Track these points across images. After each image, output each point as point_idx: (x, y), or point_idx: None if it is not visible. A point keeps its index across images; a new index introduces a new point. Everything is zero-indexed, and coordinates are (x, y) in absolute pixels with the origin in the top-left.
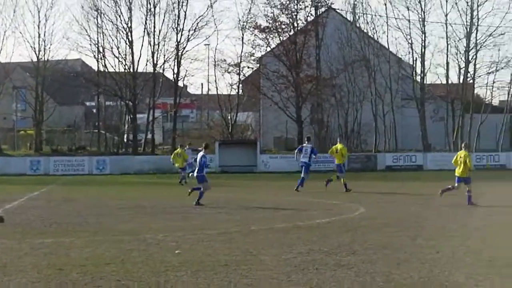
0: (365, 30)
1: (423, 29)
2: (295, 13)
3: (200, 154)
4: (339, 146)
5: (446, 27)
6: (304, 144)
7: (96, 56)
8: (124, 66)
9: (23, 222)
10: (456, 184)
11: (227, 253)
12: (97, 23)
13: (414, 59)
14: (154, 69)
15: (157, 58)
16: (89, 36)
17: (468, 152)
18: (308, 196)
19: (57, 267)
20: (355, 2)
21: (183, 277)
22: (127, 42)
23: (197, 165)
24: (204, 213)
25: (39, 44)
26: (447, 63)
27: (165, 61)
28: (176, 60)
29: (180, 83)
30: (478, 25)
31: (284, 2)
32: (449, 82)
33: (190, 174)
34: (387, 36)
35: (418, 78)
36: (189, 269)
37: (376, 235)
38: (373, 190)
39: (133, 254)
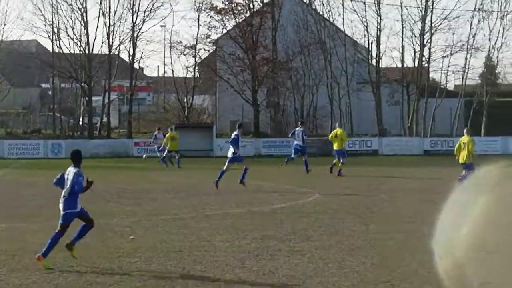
0: (321, 12)
1: (378, 12)
2: None
3: (234, 133)
4: (338, 131)
5: (402, 10)
6: (297, 128)
7: (51, 37)
8: (79, 47)
9: None
10: (464, 172)
11: (181, 238)
12: (52, 3)
13: (370, 42)
14: (110, 51)
15: (112, 39)
16: (43, 16)
17: (471, 137)
18: (263, 181)
19: (10, 253)
20: None
21: (136, 263)
22: (82, 23)
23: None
24: (158, 198)
25: None
26: (402, 47)
27: (120, 42)
28: (131, 42)
29: (136, 65)
30: (433, 8)
31: None
32: (405, 65)
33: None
34: (343, 18)
35: (374, 62)
36: (142, 255)
37: (330, 221)
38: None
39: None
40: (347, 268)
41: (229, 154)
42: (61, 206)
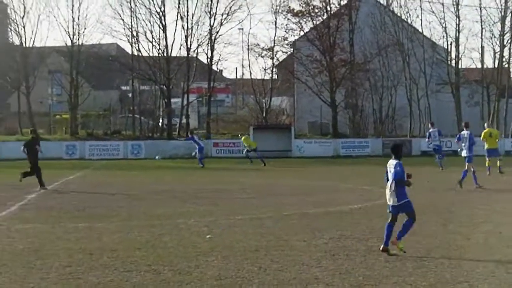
0: (398, 14)
1: (457, 13)
2: None
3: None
4: (491, 130)
5: (481, 11)
6: (430, 130)
7: (130, 41)
8: (158, 50)
9: (58, 207)
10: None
11: (258, 238)
12: (131, 7)
13: (449, 43)
14: (188, 54)
15: (190, 42)
16: (122, 20)
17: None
18: (341, 181)
19: (88, 252)
20: None
21: (214, 262)
22: (161, 26)
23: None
24: (235, 198)
25: (73, 28)
26: (482, 48)
27: (198, 45)
28: (209, 44)
29: (214, 67)
30: None
31: None
32: (484, 66)
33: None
34: (421, 20)
35: (453, 63)
36: (219, 254)
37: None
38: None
39: (164, 239)
40: (425, 268)
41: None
42: (392, 198)
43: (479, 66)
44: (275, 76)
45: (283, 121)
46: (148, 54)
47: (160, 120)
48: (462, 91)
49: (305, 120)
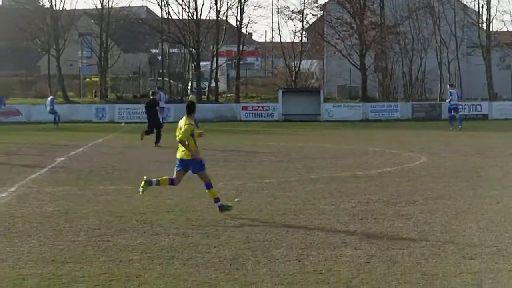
0: None
1: None
2: None
3: None
4: None
5: None
6: (450, 90)
7: (160, 3)
8: (188, 13)
9: (87, 169)
10: None
11: (286, 201)
12: None
13: (480, 6)
14: (217, 16)
15: (220, 5)
16: None
17: None
18: (369, 145)
19: (117, 214)
20: None
21: (242, 226)
22: None
23: None
24: (264, 162)
25: None
26: None
27: (228, 8)
28: (239, 7)
29: (244, 31)
30: None
31: None
32: None
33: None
34: None
35: (484, 26)
36: (247, 217)
37: (436, 185)
38: (436, 140)
39: (193, 202)
40: (453, 232)
41: None
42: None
43: (511, 29)
44: (304, 39)
45: (312, 85)
46: (178, 17)
47: (190, 84)
48: (493, 54)
49: (334, 84)
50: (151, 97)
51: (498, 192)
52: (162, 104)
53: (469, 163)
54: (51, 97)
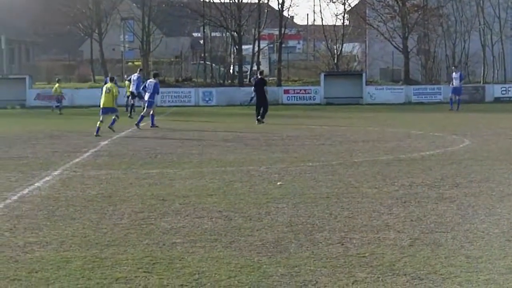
0: None
1: None
2: None
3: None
4: None
5: None
6: (454, 74)
7: None
8: None
9: (130, 153)
10: None
11: (329, 185)
12: None
13: None
14: (259, 0)
15: None
16: None
17: None
18: (412, 128)
19: (160, 198)
20: None
21: (284, 209)
22: None
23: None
24: (307, 145)
25: None
26: None
27: None
28: None
29: (286, 14)
30: None
31: None
32: None
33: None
34: None
35: None
36: (290, 200)
37: (480, 168)
38: (480, 122)
39: (235, 185)
40: (497, 216)
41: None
42: None
43: None
44: (346, 22)
45: (354, 68)
46: (220, 0)
47: (231, 67)
48: None
49: (376, 67)
50: (260, 76)
51: None
52: (133, 89)
53: None
54: (137, 75)
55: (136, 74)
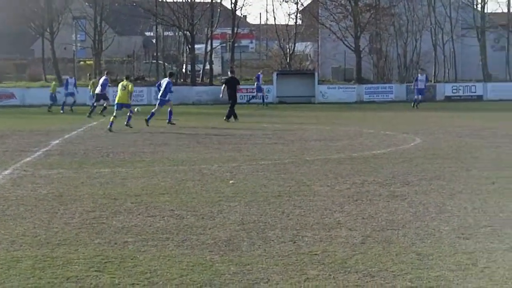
0: None
1: None
2: None
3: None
4: None
5: None
6: (419, 76)
7: None
8: None
9: (81, 152)
10: None
11: (281, 183)
12: None
13: None
14: None
15: None
16: None
17: None
18: (364, 127)
19: (112, 197)
20: None
21: (236, 208)
22: None
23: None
24: (259, 144)
25: None
26: None
27: None
28: None
29: (238, 13)
30: None
31: None
32: (511, 10)
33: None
34: None
35: (479, 7)
36: (242, 199)
37: (431, 166)
38: (431, 121)
39: (187, 184)
40: (448, 213)
41: None
42: None
43: (506, 10)
44: (299, 22)
45: (307, 67)
46: None
47: (184, 66)
48: (488, 35)
49: (328, 66)
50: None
51: (492, 173)
52: (98, 90)
53: (463, 144)
54: (72, 77)
55: (104, 76)
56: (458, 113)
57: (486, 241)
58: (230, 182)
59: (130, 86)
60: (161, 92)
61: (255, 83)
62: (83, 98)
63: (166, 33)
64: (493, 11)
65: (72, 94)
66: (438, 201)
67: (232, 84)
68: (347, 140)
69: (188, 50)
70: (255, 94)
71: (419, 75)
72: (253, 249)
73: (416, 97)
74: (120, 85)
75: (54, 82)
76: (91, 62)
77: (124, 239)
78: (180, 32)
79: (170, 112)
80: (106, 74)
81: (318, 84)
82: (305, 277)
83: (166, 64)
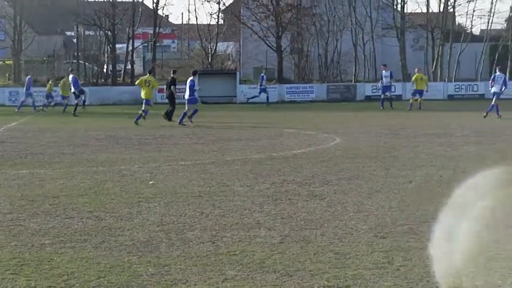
0: None
1: None
2: None
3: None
4: (422, 75)
5: None
6: (384, 72)
7: None
8: None
9: None
10: None
11: (201, 184)
12: None
13: None
14: None
15: None
16: None
17: None
18: (285, 126)
19: (30, 199)
20: None
21: (156, 208)
22: None
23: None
24: (180, 144)
25: None
26: None
27: None
28: None
29: (160, 12)
30: None
31: None
32: (430, 10)
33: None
34: None
35: (399, 7)
36: (162, 200)
37: (350, 165)
38: (351, 121)
39: (107, 185)
40: (365, 212)
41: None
42: None
43: (425, 10)
44: (221, 21)
45: (229, 67)
46: None
47: (105, 66)
48: (407, 35)
49: (250, 66)
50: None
51: (410, 172)
52: (74, 89)
53: (382, 143)
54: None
55: (70, 75)
56: (378, 113)
57: (402, 240)
58: (150, 183)
59: (153, 82)
60: (187, 92)
61: (260, 84)
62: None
63: (87, 33)
64: (413, 11)
65: (31, 95)
66: (356, 200)
67: (170, 86)
68: (267, 140)
69: (109, 49)
70: (258, 95)
71: (383, 71)
72: (171, 250)
73: (382, 96)
74: (143, 81)
75: (50, 82)
76: (10, 62)
77: (41, 241)
78: (101, 32)
79: (184, 114)
80: (71, 71)
81: (240, 83)
82: (223, 278)
83: (87, 64)
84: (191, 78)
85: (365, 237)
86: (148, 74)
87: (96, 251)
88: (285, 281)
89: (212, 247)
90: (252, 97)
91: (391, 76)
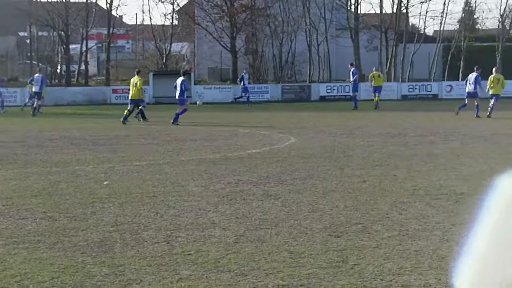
0: None
1: None
2: None
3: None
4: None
5: None
6: (352, 70)
7: None
8: None
9: None
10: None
11: (155, 184)
12: None
13: None
14: None
15: None
16: None
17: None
18: (240, 126)
19: None
20: None
21: (110, 209)
22: None
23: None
24: (134, 144)
25: None
26: None
27: None
28: None
29: (114, 13)
30: None
31: None
32: (383, 11)
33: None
34: None
35: (352, 8)
36: (116, 200)
37: (305, 165)
38: (306, 121)
39: (61, 186)
40: (320, 211)
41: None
42: None
43: (378, 11)
44: (175, 22)
45: (183, 67)
46: None
47: (59, 67)
48: (361, 36)
49: (205, 66)
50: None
51: (364, 171)
52: (36, 89)
53: (337, 143)
54: (38, 74)
55: (37, 74)
56: (332, 113)
57: (356, 239)
58: (105, 183)
59: (138, 83)
60: (177, 92)
61: (241, 83)
62: None
63: (40, 33)
64: (366, 12)
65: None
66: (311, 200)
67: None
68: (222, 140)
69: (62, 50)
70: (242, 95)
71: (352, 69)
72: (126, 250)
73: (352, 94)
74: (131, 82)
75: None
76: None
77: None
78: (54, 32)
79: (176, 115)
80: (39, 71)
81: (195, 84)
82: (178, 277)
83: (40, 64)
84: (182, 78)
85: (320, 236)
86: (136, 75)
87: (50, 252)
88: (239, 281)
89: (166, 247)
90: (240, 97)
91: (355, 73)
